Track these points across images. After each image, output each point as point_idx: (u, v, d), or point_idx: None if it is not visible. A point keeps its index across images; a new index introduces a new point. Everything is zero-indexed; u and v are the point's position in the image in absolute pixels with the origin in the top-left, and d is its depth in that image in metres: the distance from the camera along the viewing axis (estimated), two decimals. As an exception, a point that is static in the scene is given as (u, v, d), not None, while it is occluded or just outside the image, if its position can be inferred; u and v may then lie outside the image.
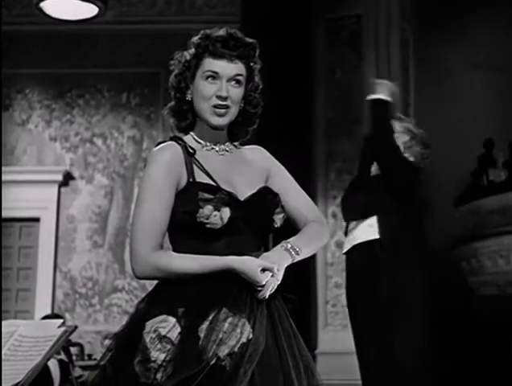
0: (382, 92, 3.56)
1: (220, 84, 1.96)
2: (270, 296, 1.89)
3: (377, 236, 3.44)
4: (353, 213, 3.55)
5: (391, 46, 8.01)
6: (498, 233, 8.25)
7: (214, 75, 1.96)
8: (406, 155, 3.63)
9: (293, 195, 2.08)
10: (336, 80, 8.06)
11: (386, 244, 3.42)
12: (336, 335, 7.49)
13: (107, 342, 1.90)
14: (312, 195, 7.82)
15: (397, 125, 3.67)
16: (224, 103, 1.96)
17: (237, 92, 1.98)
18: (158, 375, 1.78)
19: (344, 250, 3.62)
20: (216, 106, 1.96)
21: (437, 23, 9.46)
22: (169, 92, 2.08)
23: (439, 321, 3.59)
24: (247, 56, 2.00)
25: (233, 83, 1.97)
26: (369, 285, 3.42)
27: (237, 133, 2.09)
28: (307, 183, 7.55)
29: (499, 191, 8.65)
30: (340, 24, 8.13)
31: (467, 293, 8.58)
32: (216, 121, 1.98)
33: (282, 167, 2.13)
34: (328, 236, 2.09)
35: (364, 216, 3.49)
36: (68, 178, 8.45)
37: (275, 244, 1.99)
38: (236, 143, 2.10)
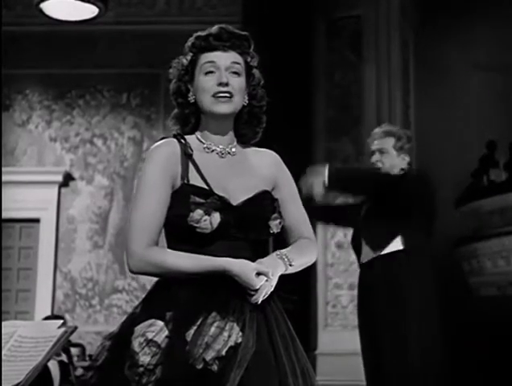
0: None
1: (219, 73, 1.96)
2: (265, 299, 1.87)
3: (400, 247, 3.55)
4: (381, 241, 3.59)
5: (391, 46, 8.01)
6: (499, 234, 8.25)
7: (212, 68, 1.96)
8: (402, 156, 3.69)
9: (292, 208, 2.05)
10: (336, 80, 8.05)
11: (411, 254, 3.54)
12: (336, 336, 7.49)
13: (102, 341, 1.90)
14: (312, 195, 7.84)
15: (378, 130, 3.74)
16: (225, 89, 1.95)
17: (237, 81, 1.97)
18: (146, 380, 1.78)
19: (363, 261, 3.65)
20: (218, 95, 1.95)
21: (437, 24, 9.46)
22: (170, 97, 2.06)
23: (439, 322, 3.60)
24: (241, 47, 2.00)
25: (232, 72, 1.97)
26: (389, 293, 3.51)
27: (245, 133, 2.06)
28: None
29: (499, 192, 8.65)
30: (340, 24, 8.13)
31: (467, 293, 8.58)
32: (220, 108, 1.96)
33: (290, 177, 2.10)
34: (316, 255, 2.08)
35: (390, 241, 3.56)
36: (68, 178, 8.45)
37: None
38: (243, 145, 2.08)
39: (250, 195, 1.95)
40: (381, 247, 3.57)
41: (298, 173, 3.10)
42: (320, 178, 3.45)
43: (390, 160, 3.68)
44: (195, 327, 1.80)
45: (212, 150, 2.00)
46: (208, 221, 1.86)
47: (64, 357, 4.79)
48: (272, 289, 1.89)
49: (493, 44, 9.65)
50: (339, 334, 7.44)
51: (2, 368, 2.09)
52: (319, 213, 3.86)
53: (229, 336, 1.80)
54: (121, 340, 1.85)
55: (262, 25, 6.59)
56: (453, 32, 9.62)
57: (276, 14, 7.27)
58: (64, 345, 2.82)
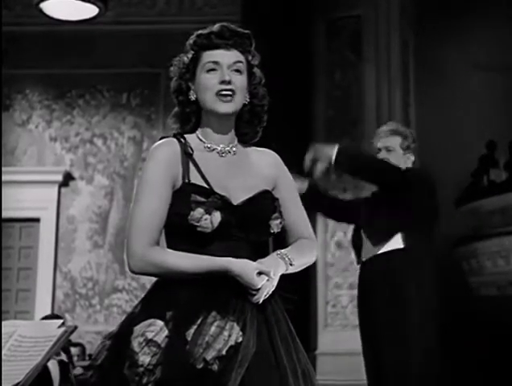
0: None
1: (222, 71, 1.95)
2: (266, 299, 1.87)
3: (401, 246, 3.55)
4: (382, 235, 3.59)
5: (391, 46, 8.01)
6: (499, 234, 8.25)
7: (214, 66, 1.96)
8: (407, 155, 3.70)
9: (292, 207, 2.05)
10: (336, 80, 8.05)
11: (411, 252, 3.53)
12: (336, 336, 7.49)
13: (101, 341, 1.89)
14: (312, 195, 7.83)
15: (385, 128, 3.75)
16: (228, 87, 1.94)
17: (239, 79, 1.96)
18: (146, 380, 1.77)
19: (364, 259, 3.65)
20: (220, 94, 1.94)
21: (437, 23, 9.45)
22: (171, 96, 2.05)
23: (439, 321, 3.60)
24: (243, 45, 1.99)
25: (234, 71, 1.96)
26: (389, 292, 3.50)
27: (246, 132, 2.06)
28: (307, 184, 7.56)
29: (499, 192, 8.65)
30: (340, 24, 8.13)
31: (467, 293, 8.58)
32: (223, 107, 1.95)
33: (291, 177, 2.10)
34: (316, 255, 2.07)
35: (391, 235, 3.56)
36: (68, 178, 8.45)
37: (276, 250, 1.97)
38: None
39: (251, 195, 1.95)
40: (382, 242, 3.57)
41: (298, 173, 3.10)
42: (325, 156, 3.43)
43: (396, 158, 3.70)
44: (195, 327, 1.79)
45: (213, 149, 1.99)
46: (208, 220, 1.85)
47: (63, 357, 4.79)
48: (273, 289, 1.89)
49: (493, 44, 9.64)
50: (339, 334, 7.44)
51: (2, 368, 2.09)
52: (320, 205, 3.85)
53: (230, 335, 1.79)
54: (120, 340, 1.85)
55: (262, 25, 6.57)
56: (453, 32, 9.62)
57: (276, 14, 7.27)
58: (64, 344, 2.82)
